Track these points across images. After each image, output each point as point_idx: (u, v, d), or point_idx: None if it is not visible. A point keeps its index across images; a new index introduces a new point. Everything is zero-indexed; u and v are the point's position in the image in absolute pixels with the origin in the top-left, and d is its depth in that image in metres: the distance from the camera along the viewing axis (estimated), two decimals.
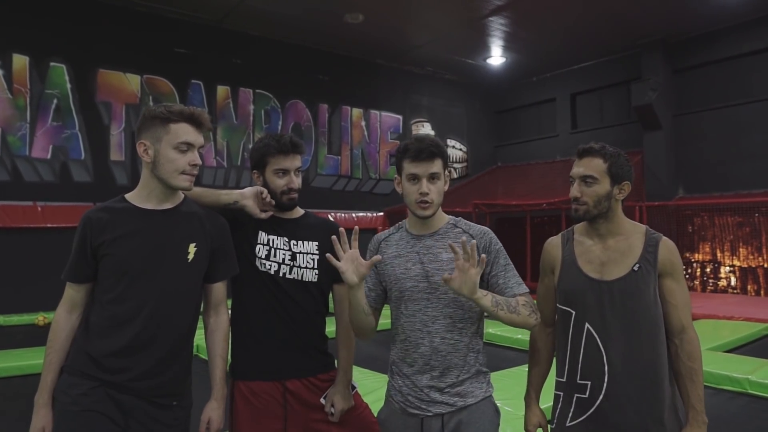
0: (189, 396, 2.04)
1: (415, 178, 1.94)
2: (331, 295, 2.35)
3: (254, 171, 2.28)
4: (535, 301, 1.98)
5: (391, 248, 2.06)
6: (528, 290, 1.95)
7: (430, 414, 1.90)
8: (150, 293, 1.89)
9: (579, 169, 1.97)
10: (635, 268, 1.90)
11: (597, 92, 14.04)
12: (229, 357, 2.19)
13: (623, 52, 12.89)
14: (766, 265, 10.63)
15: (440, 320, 1.93)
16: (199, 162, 1.95)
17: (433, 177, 1.94)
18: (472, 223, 2.05)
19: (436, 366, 1.91)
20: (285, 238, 2.23)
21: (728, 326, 7.31)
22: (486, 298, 1.82)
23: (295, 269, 2.21)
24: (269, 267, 2.19)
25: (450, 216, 2.09)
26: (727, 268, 11.15)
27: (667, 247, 1.92)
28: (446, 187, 2.00)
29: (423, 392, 1.92)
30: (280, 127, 12.08)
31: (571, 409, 1.94)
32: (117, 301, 1.88)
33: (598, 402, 1.88)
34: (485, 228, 2.02)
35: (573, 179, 1.99)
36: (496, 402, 2.03)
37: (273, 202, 2.20)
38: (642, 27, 11.51)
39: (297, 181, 2.23)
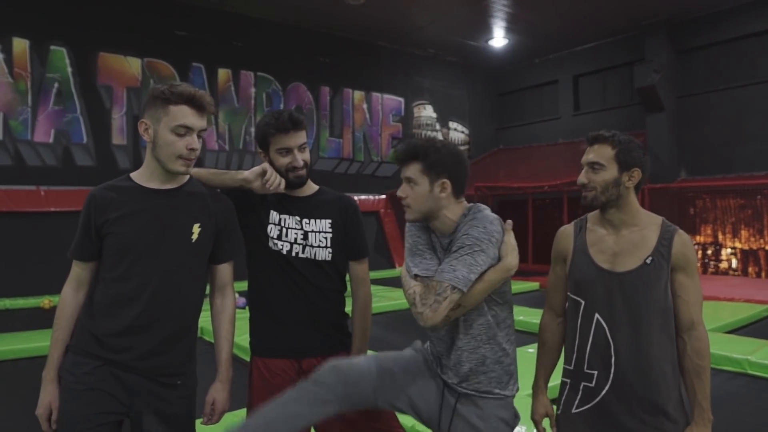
0: (193, 375, 2.04)
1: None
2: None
3: (260, 151, 2.25)
4: (453, 289, 1.78)
5: None
6: (452, 281, 1.76)
7: None
8: (153, 273, 1.88)
9: (588, 156, 1.97)
10: (648, 261, 1.87)
11: (600, 74, 13.95)
12: (247, 334, 2.21)
13: (626, 33, 12.79)
14: (767, 248, 10.65)
15: None
16: (197, 146, 1.91)
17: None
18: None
19: None
20: (297, 217, 2.21)
21: (729, 307, 7.35)
22: None
23: (307, 249, 2.19)
24: (281, 247, 2.18)
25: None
26: (729, 250, 11.17)
27: (682, 240, 1.89)
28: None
29: None
30: None
31: (578, 397, 1.95)
32: (120, 280, 1.88)
33: (604, 392, 1.89)
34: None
35: (583, 166, 1.98)
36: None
37: (279, 185, 2.16)
38: (645, 7, 11.41)
39: (302, 157, 2.18)
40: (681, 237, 1.90)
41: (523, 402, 3.37)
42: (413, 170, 1.89)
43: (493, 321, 1.90)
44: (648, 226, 1.94)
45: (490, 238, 1.82)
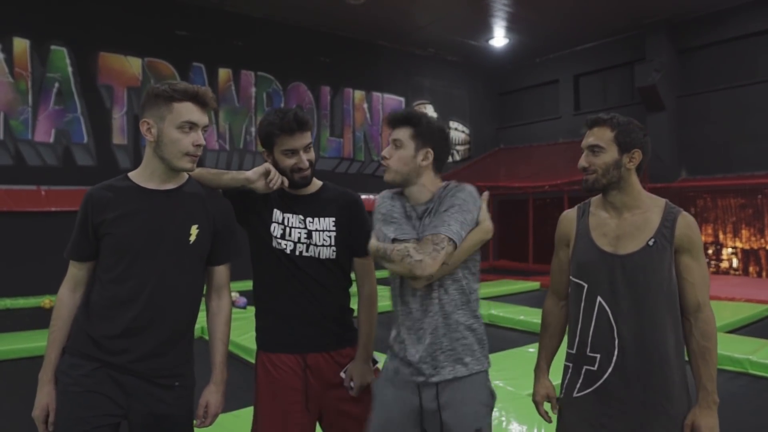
0: (191, 376, 2.03)
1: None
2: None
3: (263, 150, 2.23)
4: (446, 244, 1.81)
5: None
6: (448, 233, 1.81)
7: None
8: (150, 274, 1.87)
9: (587, 139, 1.97)
10: (650, 243, 1.86)
11: (600, 73, 13.94)
12: (248, 334, 2.19)
13: (627, 32, 12.78)
14: (767, 247, 10.66)
15: None
16: (203, 142, 1.91)
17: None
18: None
19: None
20: (300, 216, 2.19)
21: (730, 307, 7.35)
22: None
23: (311, 247, 2.18)
24: (285, 246, 2.17)
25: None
26: (729, 249, 11.17)
27: (686, 222, 1.87)
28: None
29: None
30: None
31: (579, 381, 1.94)
32: (117, 281, 1.86)
33: (606, 375, 1.88)
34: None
35: (583, 150, 1.98)
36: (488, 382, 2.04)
37: (282, 183, 2.15)
38: (646, 7, 11.39)
39: (307, 158, 2.17)
40: (685, 219, 1.89)
41: (523, 402, 3.38)
42: (403, 133, 1.97)
43: (466, 288, 1.95)
44: (651, 208, 1.93)
45: (474, 201, 1.93)
